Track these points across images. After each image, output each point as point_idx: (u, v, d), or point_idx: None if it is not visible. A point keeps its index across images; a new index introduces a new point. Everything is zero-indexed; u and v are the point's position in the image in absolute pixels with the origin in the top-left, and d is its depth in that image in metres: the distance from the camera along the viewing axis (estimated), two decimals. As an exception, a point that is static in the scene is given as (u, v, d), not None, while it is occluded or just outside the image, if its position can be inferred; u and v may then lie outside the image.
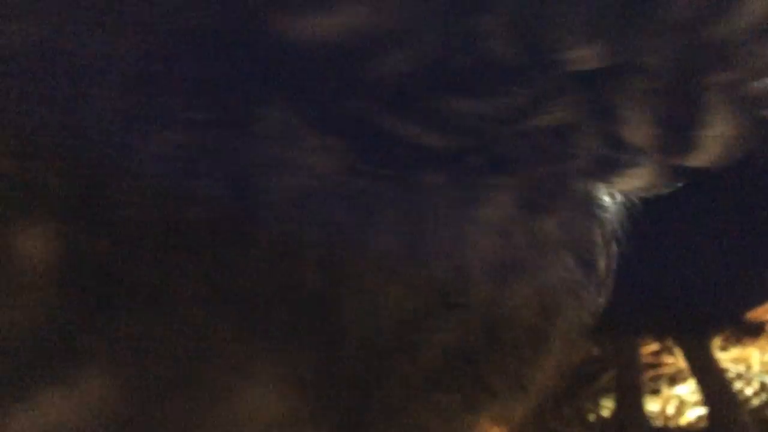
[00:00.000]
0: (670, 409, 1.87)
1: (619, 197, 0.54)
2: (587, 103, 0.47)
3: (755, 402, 1.88)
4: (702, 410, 1.76)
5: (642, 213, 1.33)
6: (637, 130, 0.48)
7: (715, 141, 0.51)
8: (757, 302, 1.61)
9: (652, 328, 1.61)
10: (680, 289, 1.45)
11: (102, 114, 0.41)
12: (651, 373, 1.97)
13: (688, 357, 1.63)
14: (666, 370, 1.99)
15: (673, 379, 1.96)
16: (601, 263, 0.55)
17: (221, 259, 0.43)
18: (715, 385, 1.62)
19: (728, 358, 1.99)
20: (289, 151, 0.42)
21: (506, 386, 0.51)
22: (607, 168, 0.50)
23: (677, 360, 1.98)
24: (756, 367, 1.98)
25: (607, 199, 0.54)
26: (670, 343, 2.02)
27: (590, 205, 0.52)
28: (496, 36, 0.43)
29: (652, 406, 1.87)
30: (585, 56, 0.45)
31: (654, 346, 2.05)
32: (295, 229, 0.43)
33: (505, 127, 0.45)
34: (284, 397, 0.45)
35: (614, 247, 0.56)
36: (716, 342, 1.97)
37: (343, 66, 0.43)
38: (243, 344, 0.45)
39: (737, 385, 1.92)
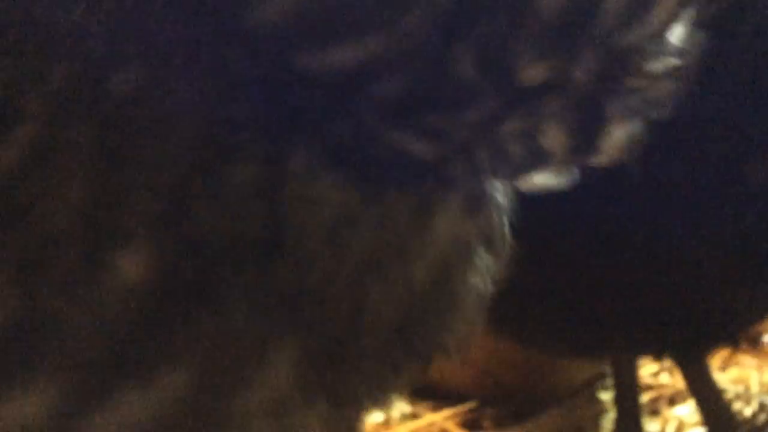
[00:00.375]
0: (670, 430, 1.87)
1: (514, 193, 0.66)
2: (523, 117, 0.57)
3: (755, 422, 1.88)
4: (701, 431, 1.76)
5: (639, 229, 1.34)
6: (552, 138, 0.58)
7: (616, 144, 0.60)
8: (755, 320, 1.61)
9: (650, 348, 1.61)
10: (677, 307, 1.45)
11: (184, 153, 0.51)
12: (650, 393, 1.97)
13: (687, 377, 1.63)
14: (665, 391, 1.99)
15: (673, 400, 1.96)
16: (503, 252, 0.68)
17: (262, 272, 0.54)
18: (714, 406, 1.62)
19: (727, 378, 1.99)
20: (312, 187, 0.55)
21: (428, 347, 0.64)
22: (518, 170, 0.60)
23: (676, 381, 1.98)
24: (755, 388, 1.98)
25: (507, 196, 0.66)
26: (669, 363, 2.02)
27: (499, 203, 0.65)
28: (464, 62, 0.53)
29: (651, 427, 1.87)
30: (532, 74, 0.55)
31: (653, 367, 2.05)
32: (312, 250, 0.55)
33: (473, 136, 0.56)
34: (291, 375, 0.57)
35: (510, 236, 0.68)
36: (715, 362, 1.97)
37: (349, 90, 0.54)
38: (268, 337, 0.56)
39: (736, 405, 1.92)
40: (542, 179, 0.61)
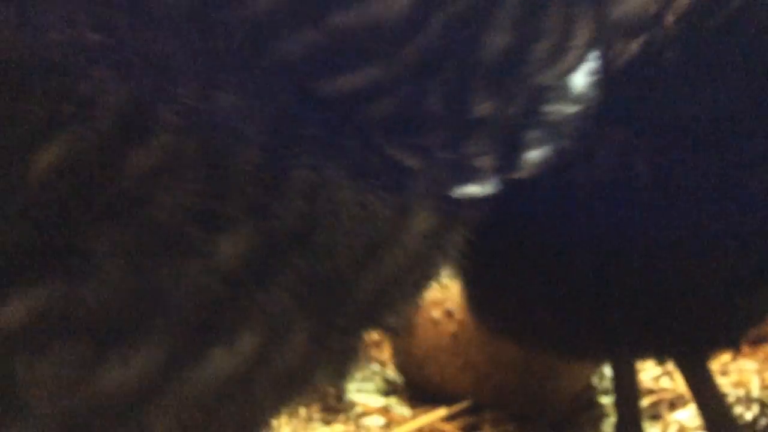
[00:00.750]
0: (671, 435, 1.88)
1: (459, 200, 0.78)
2: (470, 143, 0.71)
3: (756, 426, 1.88)
4: (702, 435, 1.76)
5: (642, 234, 1.34)
6: (483, 160, 0.73)
7: (531, 164, 0.75)
8: (756, 323, 1.61)
9: (653, 351, 1.61)
10: (679, 311, 1.45)
11: (266, 158, 0.63)
12: (651, 398, 1.97)
13: (689, 381, 1.63)
14: (666, 395, 1.99)
15: (674, 405, 1.96)
16: (458, 245, 0.78)
17: (293, 260, 0.66)
18: (715, 410, 1.62)
19: (728, 382, 1.99)
20: (340, 192, 0.66)
21: (401, 299, 0.75)
22: (455, 182, 0.73)
23: (677, 385, 1.98)
24: (756, 392, 1.98)
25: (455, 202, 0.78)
26: (669, 367, 2.02)
27: (446, 207, 0.76)
28: (433, 97, 0.68)
29: (652, 431, 1.87)
30: (484, 108, 0.70)
31: (654, 371, 2.05)
32: (333, 242, 0.67)
33: (438, 154, 0.70)
34: (307, 344, 0.68)
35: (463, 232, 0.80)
36: (716, 366, 1.97)
37: (356, 111, 0.66)
38: (292, 314, 0.67)
39: (738, 409, 1.92)
40: (470, 189, 0.74)
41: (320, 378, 0.72)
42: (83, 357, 0.61)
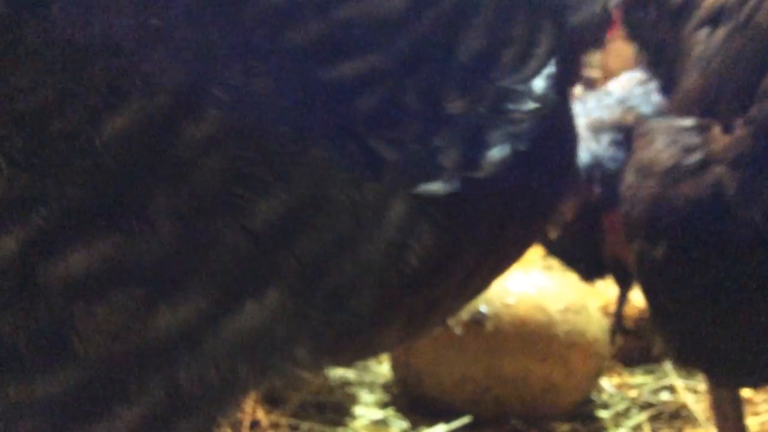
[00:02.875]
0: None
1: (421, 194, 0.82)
2: (440, 137, 0.78)
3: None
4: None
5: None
6: (448, 157, 0.78)
7: (491, 164, 0.81)
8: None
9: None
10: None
11: (289, 136, 0.70)
12: (651, 411, 1.97)
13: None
14: (666, 408, 1.99)
15: (674, 418, 1.96)
16: (426, 234, 0.82)
17: (308, 235, 0.73)
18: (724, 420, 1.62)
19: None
20: (335, 177, 0.73)
21: (370, 286, 0.79)
22: (421, 178, 0.78)
23: (677, 398, 1.99)
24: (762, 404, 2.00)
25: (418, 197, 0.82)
26: (669, 381, 2.03)
27: (416, 202, 0.80)
28: (411, 93, 0.75)
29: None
30: (455, 106, 0.77)
31: (653, 385, 2.06)
32: (330, 225, 0.73)
33: (410, 147, 0.76)
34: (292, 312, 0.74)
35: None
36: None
37: (350, 96, 0.73)
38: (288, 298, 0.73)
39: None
40: (434, 187, 0.79)
41: (298, 353, 0.77)
42: (137, 305, 0.67)
